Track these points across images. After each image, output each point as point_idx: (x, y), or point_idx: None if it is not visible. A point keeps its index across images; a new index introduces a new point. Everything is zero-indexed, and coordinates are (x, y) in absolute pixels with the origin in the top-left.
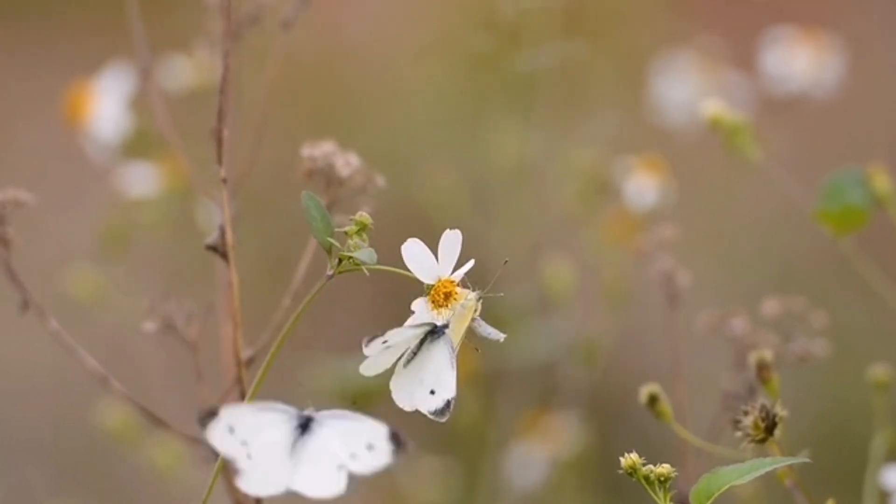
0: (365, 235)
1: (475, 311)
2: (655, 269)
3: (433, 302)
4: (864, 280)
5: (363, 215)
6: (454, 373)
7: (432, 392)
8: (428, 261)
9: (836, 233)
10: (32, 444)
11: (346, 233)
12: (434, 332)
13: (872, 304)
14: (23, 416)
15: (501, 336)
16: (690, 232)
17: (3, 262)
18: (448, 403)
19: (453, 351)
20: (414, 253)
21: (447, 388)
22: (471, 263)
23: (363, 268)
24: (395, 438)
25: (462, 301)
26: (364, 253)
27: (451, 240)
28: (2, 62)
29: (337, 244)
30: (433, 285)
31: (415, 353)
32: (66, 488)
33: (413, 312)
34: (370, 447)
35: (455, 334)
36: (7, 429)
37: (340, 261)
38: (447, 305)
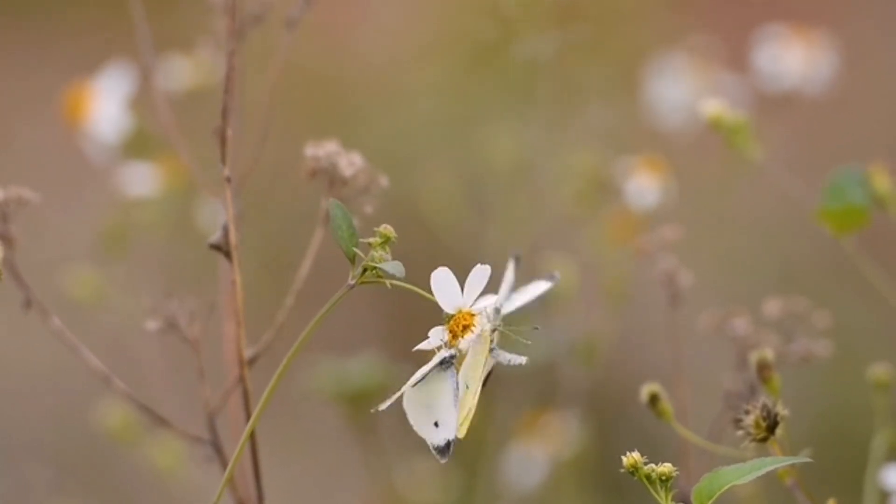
0: (388, 248)
1: (491, 341)
2: (657, 269)
3: (450, 331)
4: (863, 280)
5: (387, 228)
6: (456, 412)
7: (436, 424)
8: (453, 291)
9: (837, 232)
10: (32, 444)
11: (369, 244)
12: (445, 362)
13: (872, 304)
14: (23, 416)
15: (523, 359)
16: (690, 232)
17: (7, 261)
18: (448, 444)
19: (458, 387)
20: (441, 281)
21: (448, 428)
22: (492, 298)
23: (386, 281)
24: None
25: (477, 331)
26: (392, 266)
27: (479, 274)
28: (2, 62)
29: (361, 254)
30: (452, 315)
31: (425, 375)
32: (66, 488)
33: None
34: None
35: (474, 368)
36: (7, 429)
37: (364, 271)
38: (463, 336)
